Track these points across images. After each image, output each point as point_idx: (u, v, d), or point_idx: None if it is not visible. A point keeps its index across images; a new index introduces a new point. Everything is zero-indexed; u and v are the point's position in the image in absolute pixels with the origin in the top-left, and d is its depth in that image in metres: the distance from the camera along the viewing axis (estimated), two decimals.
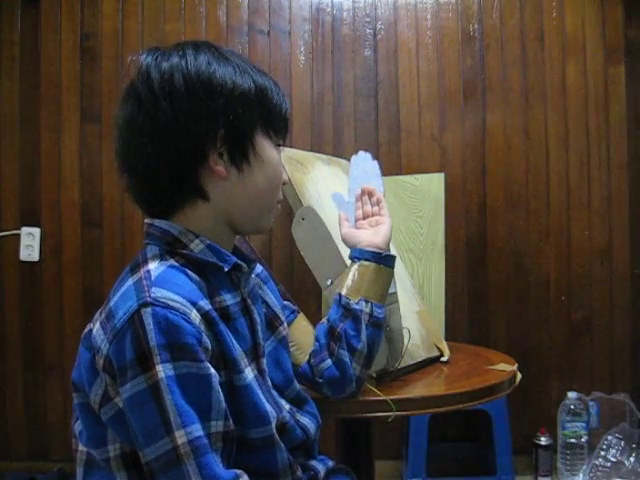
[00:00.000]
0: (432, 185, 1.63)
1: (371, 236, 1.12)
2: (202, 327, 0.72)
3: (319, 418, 0.94)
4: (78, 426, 0.79)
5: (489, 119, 2.43)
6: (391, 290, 1.17)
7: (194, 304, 0.73)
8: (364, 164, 1.27)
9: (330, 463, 0.98)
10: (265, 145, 0.85)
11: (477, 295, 2.42)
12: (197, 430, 0.69)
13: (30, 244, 2.41)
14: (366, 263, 1.08)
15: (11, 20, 2.42)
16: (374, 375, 1.19)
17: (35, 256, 2.41)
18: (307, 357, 1.04)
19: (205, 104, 0.79)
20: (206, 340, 0.72)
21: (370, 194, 1.19)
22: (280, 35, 2.45)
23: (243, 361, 0.78)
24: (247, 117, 0.82)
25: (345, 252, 1.23)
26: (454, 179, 2.39)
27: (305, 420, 0.91)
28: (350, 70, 2.44)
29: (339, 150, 2.39)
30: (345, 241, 1.15)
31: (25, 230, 2.41)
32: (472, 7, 2.44)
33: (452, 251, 2.30)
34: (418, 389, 1.21)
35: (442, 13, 2.44)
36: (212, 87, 0.79)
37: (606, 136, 2.43)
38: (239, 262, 0.84)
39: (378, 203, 1.18)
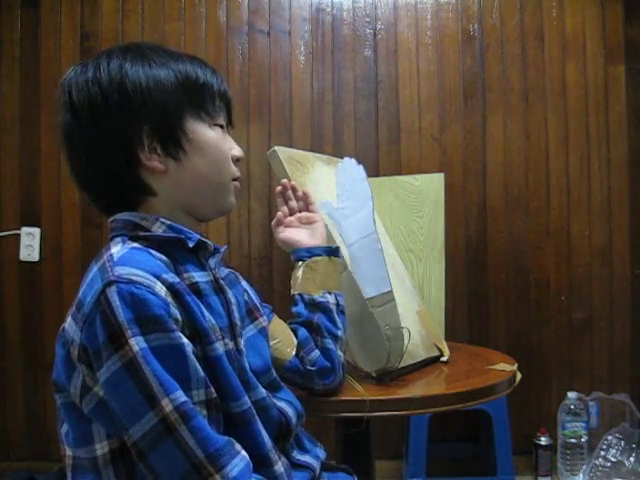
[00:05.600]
0: (432, 185, 1.63)
1: (310, 237, 1.16)
2: (169, 299, 0.72)
3: (298, 405, 0.94)
4: (63, 429, 0.80)
5: (489, 119, 2.43)
6: (385, 289, 1.17)
7: (158, 277, 0.73)
8: (350, 170, 1.26)
9: (321, 454, 0.98)
10: (198, 129, 0.85)
11: (477, 295, 2.42)
12: (181, 396, 0.69)
13: (30, 244, 2.41)
14: (318, 259, 1.12)
15: (11, 20, 2.43)
16: (374, 375, 1.19)
17: (35, 256, 2.41)
18: (294, 350, 1.05)
19: (122, 106, 0.81)
20: (175, 311, 0.72)
21: (294, 189, 1.20)
22: (280, 35, 2.45)
23: (214, 334, 0.78)
24: (170, 107, 0.82)
25: (346, 252, 1.23)
26: (454, 179, 2.39)
27: (282, 404, 0.90)
28: (350, 70, 2.44)
29: (339, 150, 2.39)
30: (284, 244, 1.18)
31: (25, 230, 2.41)
32: (472, 7, 2.44)
33: (452, 251, 2.30)
34: (418, 389, 1.21)
35: (442, 13, 2.44)
36: (125, 89, 0.81)
37: (606, 136, 2.43)
38: (203, 239, 0.86)
39: (305, 199, 1.20)
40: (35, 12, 2.43)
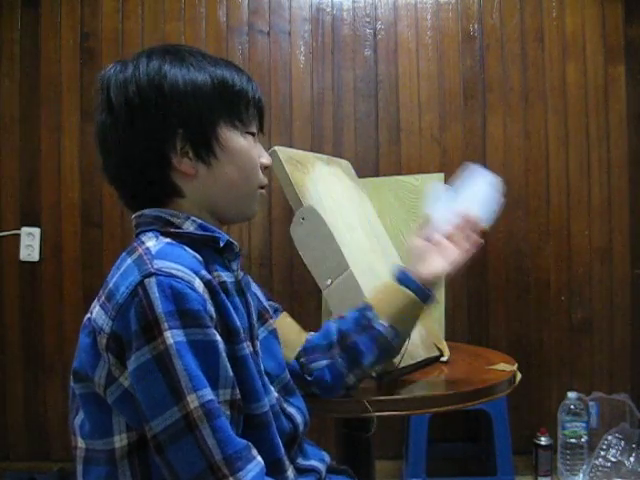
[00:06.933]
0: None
1: (425, 264, 1.02)
2: (206, 295, 0.73)
3: (306, 413, 0.94)
4: (78, 420, 0.79)
5: (489, 119, 2.43)
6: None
7: (196, 273, 0.74)
8: (483, 181, 1.12)
9: (327, 458, 0.99)
10: (231, 136, 0.86)
11: (477, 295, 2.42)
12: (209, 394, 0.69)
13: (30, 244, 2.40)
14: (410, 293, 1.01)
15: (11, 20, 2.42)
16: (374, 375, 1.19)
17: (35, 256, 2.41)
18: (295, 354, 1.04)
19: (158, 107, 0.81)
20: (210, 308, 0.73)
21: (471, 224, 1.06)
22: (280, 35, 2.44)
23: (242, 334, 0.79)
24: (206, 113, 0.83)
25: (346, 252, 1.22)
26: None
27: (291, 410, 0.90)
28: (350, 70, 2.44)
29: (339, 150, 2.39)
30: (412, 250, 1.04)
31: (25, 230, 2.41)
32: (472, 7, 2.44)
33: None
34: (418, 389, 1.21)
35: (442, 13, 2.44)
36: (163, 91, 0.81)
37: (606, 136, 2.43)
38: (231, 240, 0.87)
39: (471, 229, 1.05)
40: (35, 12, 2.42)
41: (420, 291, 1.01)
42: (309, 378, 1.03)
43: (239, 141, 0.87)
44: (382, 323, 1.00)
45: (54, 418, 2.38)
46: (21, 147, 2.43)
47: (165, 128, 0.81)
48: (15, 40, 2.42)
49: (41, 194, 2.42)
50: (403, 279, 1.02)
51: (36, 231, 2.41)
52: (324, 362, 1.02)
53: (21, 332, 2.42)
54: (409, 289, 1.01)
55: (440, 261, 1.02)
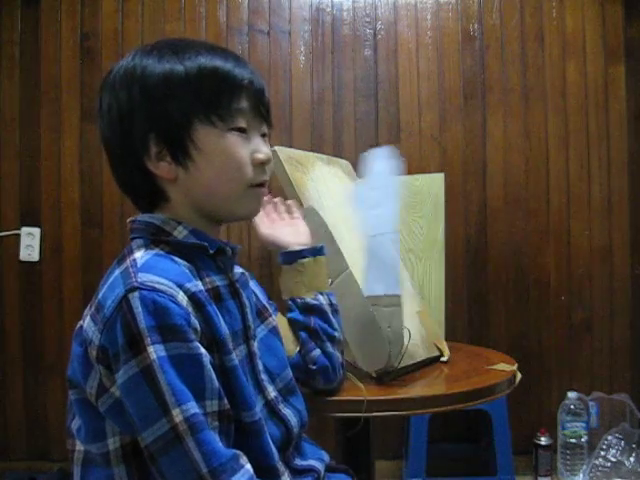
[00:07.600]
0: (432, 185, 1.63)
1: (294, 236, 1.14)
2: (190, 308, 0.73)
3: (304, 414, 0.94)
4: (75, 424, 0.79)
5: (489, 119, 2.43)
6: (394, 292, 1.17)
7: (180, 286, 0.73)
8: (383, 160, 1.20)
9: (326, 457, 0.99)
10: (208, 137, 0.80)
11: (477, 295, 2.42)
12: (193, 407, 0.69)
13: (30, 244, 2.41)
14: (304, 261, 1.09)
15: (11, 20, 2.42)
16: (374, 375, 1.19)
17: (35, 256, 2.41)
18: (297, 347, 1.05)
19: (131, 113, 0.80)
20: (195, 321, 0.72)
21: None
22: (280, 35, 2.45)
23: (231, 343, 0.78)
24: (178, 114, 0.79)
25: (346, 252, 1.23)
26: (454, 179, 2.39)
27: (287, 411, 0.90)
28: (350, 70, 2.44)
29: (339, 150, 2.39)
30: (266, 241, 1.16)
31: (25, 230, 2.41)
32: (472, 7, 2.44)
33: (452, 251, 2.30)
34: (418, 389, 1.21)
35: (442, 13, 2.44)
36: (135, 94, 0.79)
37: (606, 136, 2.43)
38: (223, 245, 0.86)
39: (289, 208, 1.20)
40: (35, 12, 2.42)
41: (302, 252, 1.10)
42: (314, 367, 1.04)
43: (217, 141, 0.80)
44: (311, 298, 1.07)
45: (54, 418, 2.38)
46: (21, 147, 2.43)
47: (137, 133, 0.79)
48: (15, 40, 2.43)
49: (41, 194, 2.43)
50: (291, 258, 1.10)
51: (36, 231, 2.41)
52: (319, 350, 1.05)
53: (21, 332, 2.42)
54: (303, 258, 1.09)
55: (289, 232, 1.15)
